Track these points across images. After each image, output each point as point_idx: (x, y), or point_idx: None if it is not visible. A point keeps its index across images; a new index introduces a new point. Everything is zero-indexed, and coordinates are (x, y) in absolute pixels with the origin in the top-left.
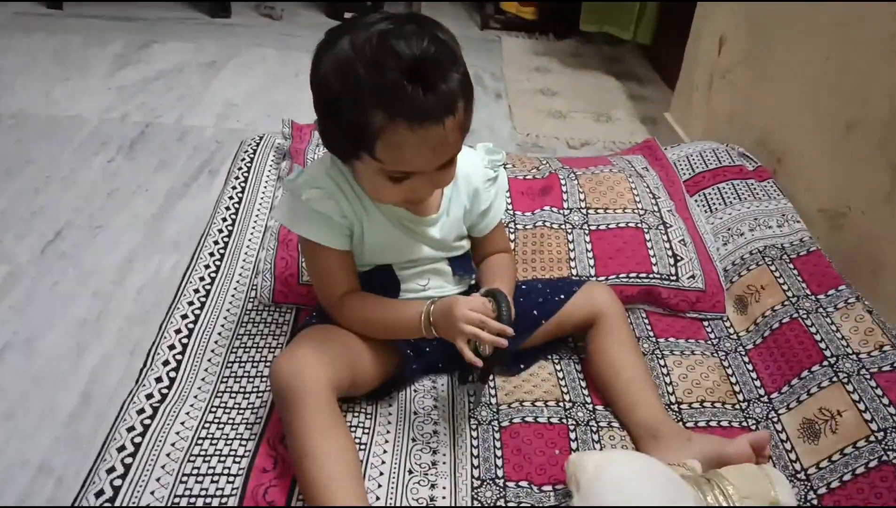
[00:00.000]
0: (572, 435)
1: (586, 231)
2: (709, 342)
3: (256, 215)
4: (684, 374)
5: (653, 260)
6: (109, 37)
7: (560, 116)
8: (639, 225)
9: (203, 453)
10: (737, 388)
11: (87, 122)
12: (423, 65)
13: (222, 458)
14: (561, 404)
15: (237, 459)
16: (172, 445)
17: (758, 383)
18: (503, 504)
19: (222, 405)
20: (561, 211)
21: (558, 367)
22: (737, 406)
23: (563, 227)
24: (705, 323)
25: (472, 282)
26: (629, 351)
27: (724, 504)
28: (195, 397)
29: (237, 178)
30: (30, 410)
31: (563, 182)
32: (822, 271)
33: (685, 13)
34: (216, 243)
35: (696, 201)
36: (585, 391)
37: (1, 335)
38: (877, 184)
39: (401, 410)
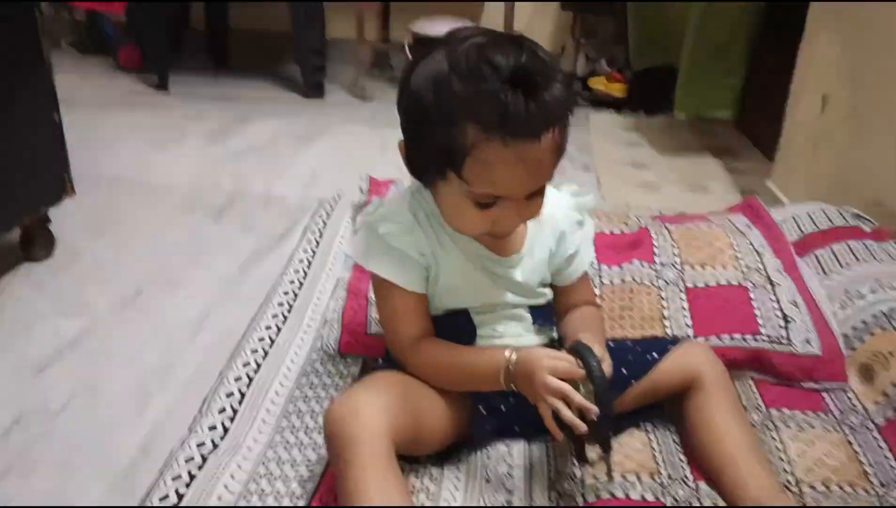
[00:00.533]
0: None
1: (681, 288)
2: (830, 415)
3: (330, 269)
4: (803, 449)
5: (759, 321)
6: (208, 112)
7: (651, 188)
8: (742, 283)
9: None
10: (869, 470)
11: (178, 187)
12: (521, 74)
13: None
14: (656, 478)
15: None
16: (219, 498)
17: (894, 463)
18: None
19: (276, 457)
20: (652, 266)
21: (652, 437)
22: (871, 491)
23: (655, 283)
24: (824, 395)
25: (554, 336)
26: (735, 418)
27: None
28: (249, 448)
29: (313, 232)
30: (88, 457)
31: (654, 236)
32: None
33: (775, 82)
34: (286, 293)
35: (806, 262)
36: (685, 466)
37: (69, 382)
38: None
39: (471, 475)
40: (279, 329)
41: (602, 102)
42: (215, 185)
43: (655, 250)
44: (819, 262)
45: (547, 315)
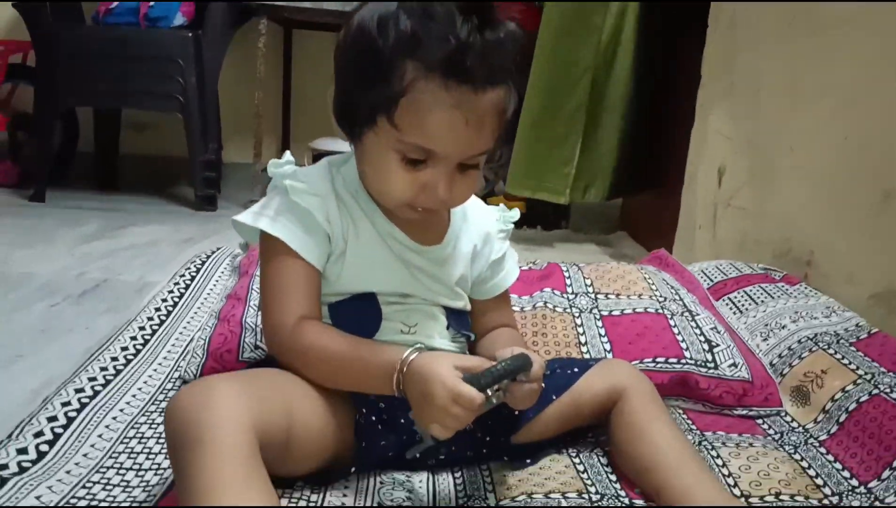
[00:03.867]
0: None
1: (597, 316)
2: (769, 437)
3: (201, 303)
4: (746, 465)
5: (683, 345)
6: (84, 220)
7: None
8: (660, 311)
9: None
10: (819, 481)
11: (37, 277)
12: (477, 5)
13: None
14: (585, 495)
15: None
16: None
17: (846, 473)
18: None
19: (103, 480)
20: (565, 294)
21: (577, 460)
22: (825, 500)
23: (568, 310)
24: (759, 421)
25: (465, 342)
26: (669, 427)
27: None
28: (67, 472)
29: (182, 276)
30: None
31: (565, 270)
32: (893, 350)
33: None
34: (142, 328)
35: (720, 305)
36: (617, 485)
37: None
38: None
39: (359, 500)
40: (128, 361)
41: None
42: (81, 274)
43: (567, 280)
44: (734, 303)
45: (463, 322)
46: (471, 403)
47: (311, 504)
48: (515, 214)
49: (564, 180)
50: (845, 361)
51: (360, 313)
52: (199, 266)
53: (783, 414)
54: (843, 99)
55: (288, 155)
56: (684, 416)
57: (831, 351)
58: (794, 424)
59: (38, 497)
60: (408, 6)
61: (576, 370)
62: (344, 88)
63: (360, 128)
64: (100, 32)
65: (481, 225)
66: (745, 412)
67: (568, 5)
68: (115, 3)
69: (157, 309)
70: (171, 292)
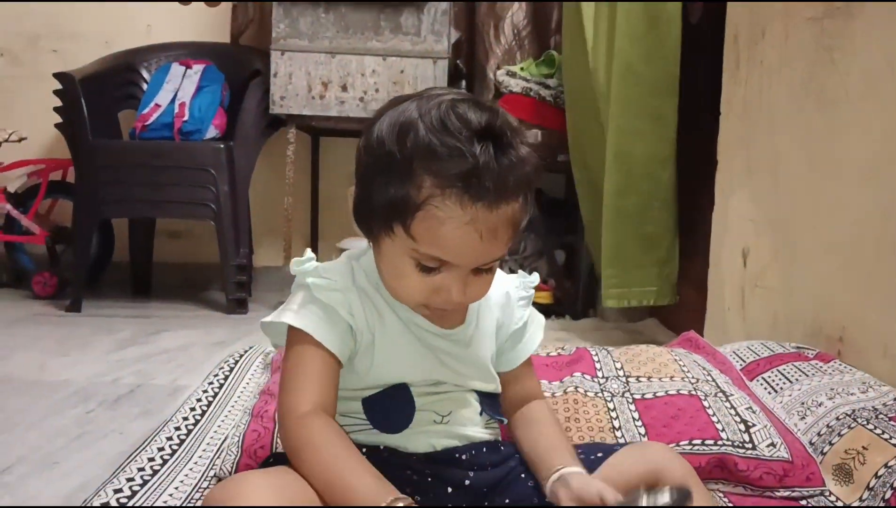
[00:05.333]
0: None
1: (629, 400)
2: None
3: (235, 401)
4: None
5: (718, 426)
6: (119, 327)
7: None
8: (693, 392)
9: None
10: None
11: (74, 383)
12: (491, 131)
13: None
14: None
15: None
16: None
17: None
18: None
19: None
20: (595, 379)
21: None
22: None
23: (600, 395)
24: (803, 502)
25: (498, 426)
26: None
27: None
28: None
29: (216, 376)
30: None
31: (594, 355)
32: None
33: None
34: (177, 428)
35: (754, 385)
36: None
37: None
38: None
39: None
40: (164, 461)
41: None
42: (116, 380)
43: (597, 364)
44: (768, 383)
45: (495, 406)
46: None
47: None
48: (535, 278)
49: (668, 281)
50: (886, 436)
51: (392, 406)
52: (233, 365)
53: (827, 494)
54: (860, 172)
55: (309, 253)
56: (725, 500)
57: (870, 426)
58: (839, 503)
59: None
60: (427, 117)
61: (599, 454)
62: (363, 192)
63: (377, 231)
64: (136, 147)
65: (499, 296)
66: (787, 493)
67: (633, 102)
68: (152, 119)
69: (192, 409)
70: (205, 391)
